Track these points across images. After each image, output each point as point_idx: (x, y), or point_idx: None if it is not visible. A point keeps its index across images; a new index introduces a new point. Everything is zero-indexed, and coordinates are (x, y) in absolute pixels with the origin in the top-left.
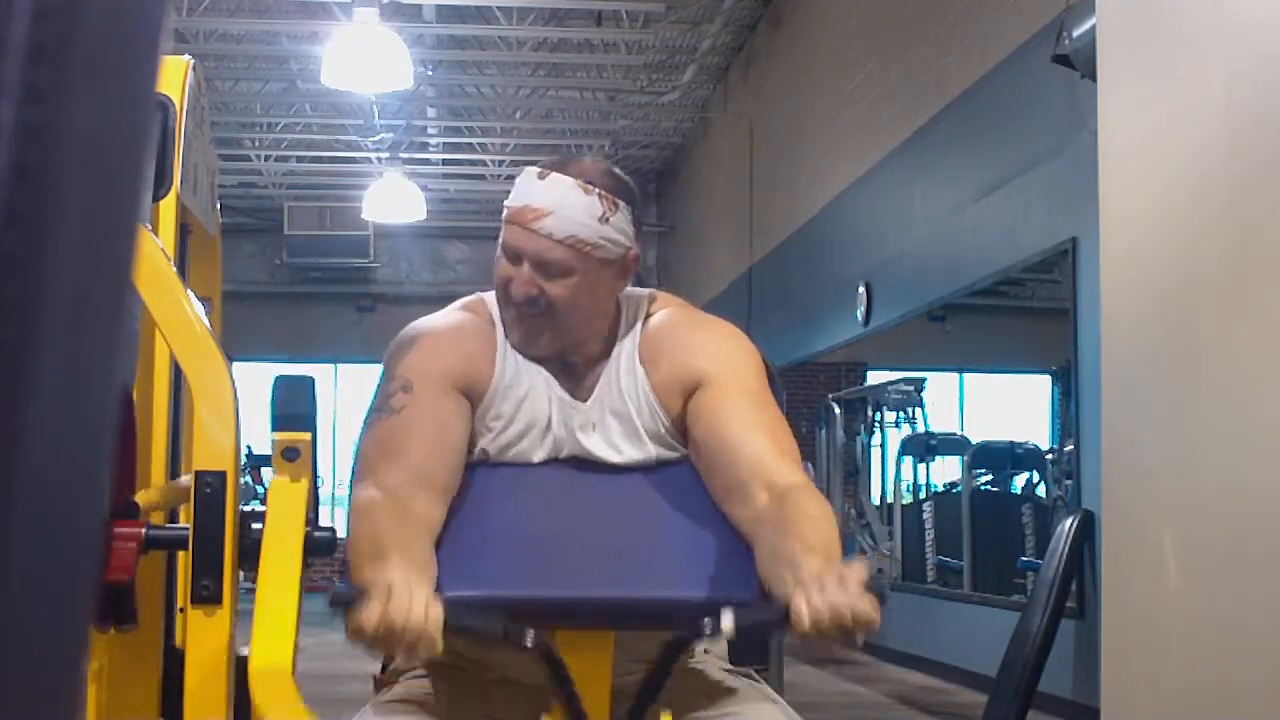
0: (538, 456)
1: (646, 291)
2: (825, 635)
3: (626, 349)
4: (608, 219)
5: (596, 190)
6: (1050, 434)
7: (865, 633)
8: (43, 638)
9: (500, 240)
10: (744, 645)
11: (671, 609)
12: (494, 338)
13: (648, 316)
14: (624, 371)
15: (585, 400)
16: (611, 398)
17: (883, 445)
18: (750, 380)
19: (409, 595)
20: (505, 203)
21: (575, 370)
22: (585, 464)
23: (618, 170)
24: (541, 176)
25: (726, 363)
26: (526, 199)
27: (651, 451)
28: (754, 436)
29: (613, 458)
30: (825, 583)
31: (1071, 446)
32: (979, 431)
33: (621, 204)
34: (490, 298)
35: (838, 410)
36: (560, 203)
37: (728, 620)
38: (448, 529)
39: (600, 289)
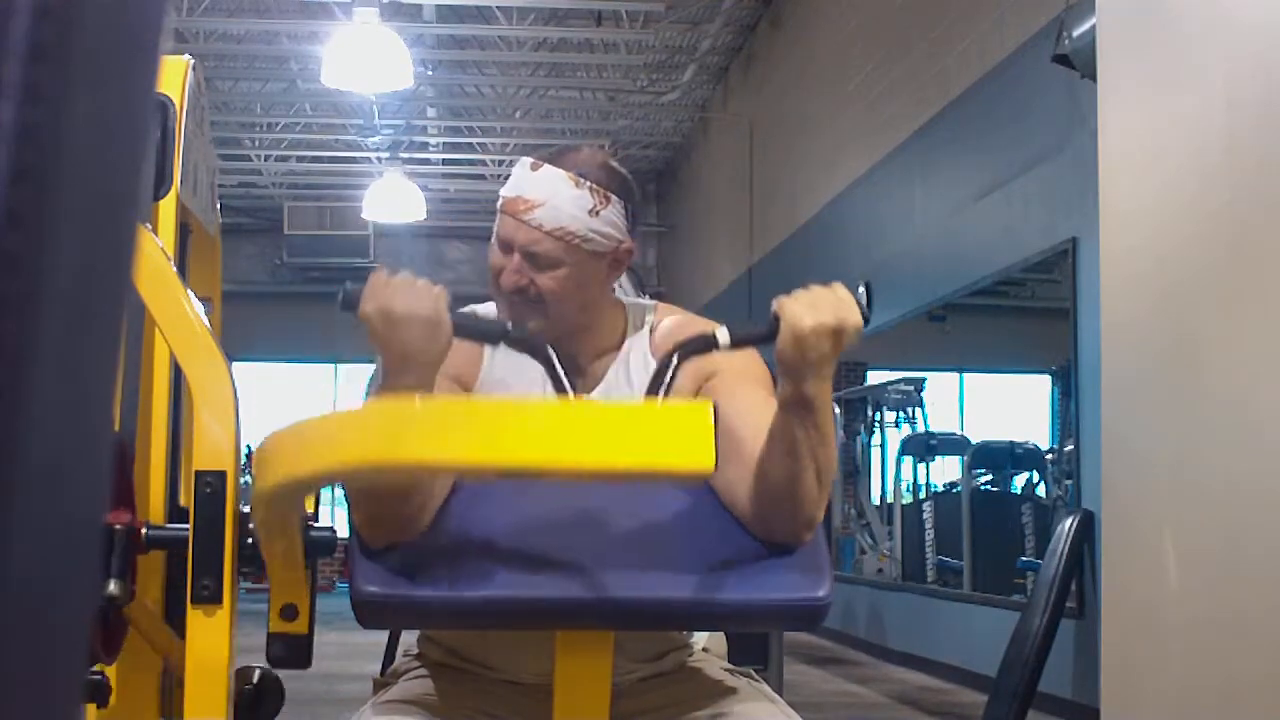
0: None
1: (650, 302)
2: (815, 330)
3: (638, 345)
4: (598, 212)
5: (588, 184)
6: (1050, 434)
7: (851, 328)
8: (43, 638)
9: (494, 229)
10: (744, 645)
11: (671, 609)
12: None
13: (653, 328)
14: (635, 366)
15: (590, 389)
16: (620, 387)
17: (883, 445)
18: (761, 373)
19: (414, 280)
20: (500, 191)
21: (577, 366)
22: None
23: (615, 163)
24: (535, 168)
25: (738, 357)
26: (519, 189)
27: None
28: (763, 413)
29: None
30: (810, 288)
31: (1071, 446)
32: (979, 431)
33: (614, 198)
34: (483, 309)
35: (838, 410)
36: (551, 195)
37: (723, 335)
38: (447, 529)
39: (591, 281)
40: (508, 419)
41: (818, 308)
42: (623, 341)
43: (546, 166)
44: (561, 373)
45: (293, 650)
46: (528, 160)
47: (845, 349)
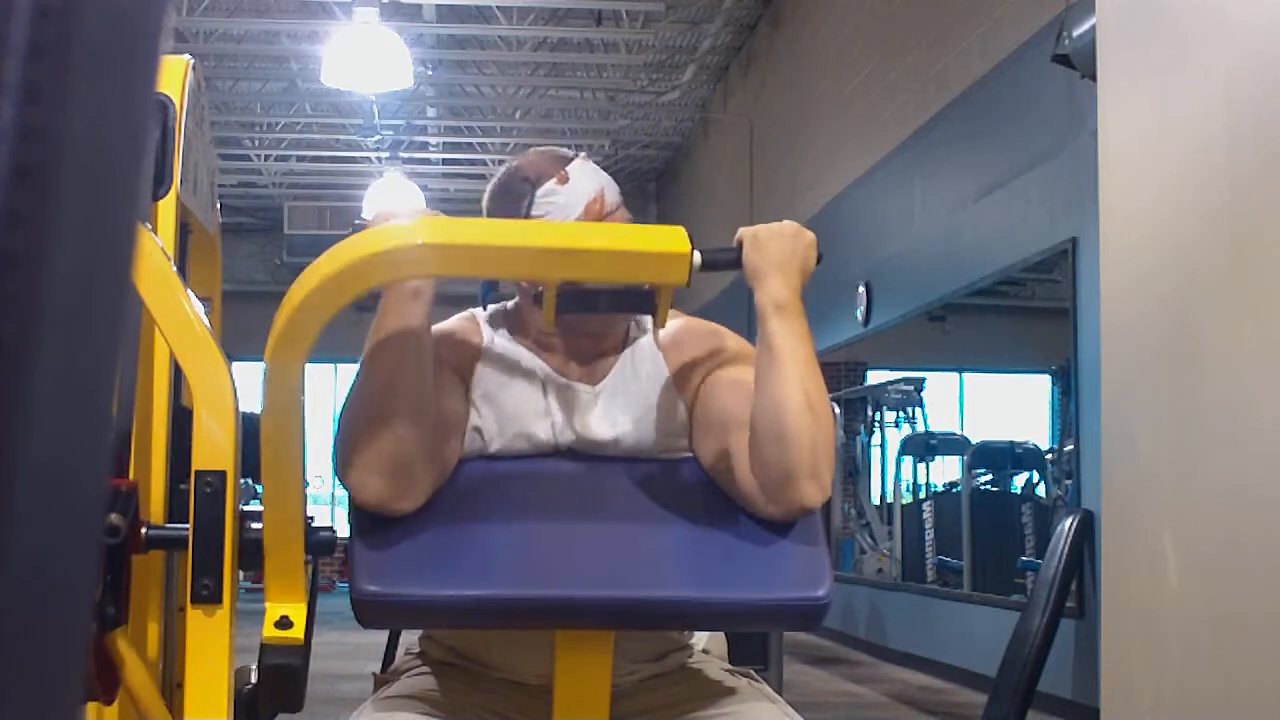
0: (540, 431)
1: None
2: (772, 232)
3: (645, 339)
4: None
5: (584, 157)
6: (1050, 434)
7: (807, 236)
8: (43, 637)
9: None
10: (744, 645)
11: (671, 609)
12: (480, 334)
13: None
14: (642, 358)
15: (594, 384)
16: (626, 381)
17: (883, 445)
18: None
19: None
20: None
21: (583, 358)
22: (585, 462)
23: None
24: (563, 180)
25: (747, 348)
26: (581, 199)
27: (651, 435)
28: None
29: (609, 433)
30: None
31: (1071, 446)
32: (979, 431)
33: None
34: (480, 314)
35: (838, 410)
36: (593, 178)
37: (696, 257)
38: (448, 529)
39: None
40: (509, 232)
41: (771, 227)
42: (627, 336)
43: (565, 171)
44: (558, 374)
45: (283, 678)
46: (550, 185)
47: (807, 267)
